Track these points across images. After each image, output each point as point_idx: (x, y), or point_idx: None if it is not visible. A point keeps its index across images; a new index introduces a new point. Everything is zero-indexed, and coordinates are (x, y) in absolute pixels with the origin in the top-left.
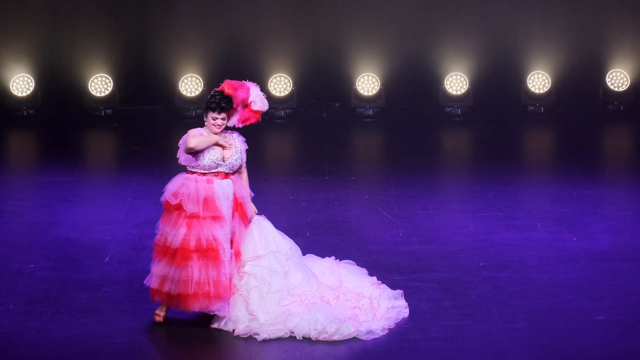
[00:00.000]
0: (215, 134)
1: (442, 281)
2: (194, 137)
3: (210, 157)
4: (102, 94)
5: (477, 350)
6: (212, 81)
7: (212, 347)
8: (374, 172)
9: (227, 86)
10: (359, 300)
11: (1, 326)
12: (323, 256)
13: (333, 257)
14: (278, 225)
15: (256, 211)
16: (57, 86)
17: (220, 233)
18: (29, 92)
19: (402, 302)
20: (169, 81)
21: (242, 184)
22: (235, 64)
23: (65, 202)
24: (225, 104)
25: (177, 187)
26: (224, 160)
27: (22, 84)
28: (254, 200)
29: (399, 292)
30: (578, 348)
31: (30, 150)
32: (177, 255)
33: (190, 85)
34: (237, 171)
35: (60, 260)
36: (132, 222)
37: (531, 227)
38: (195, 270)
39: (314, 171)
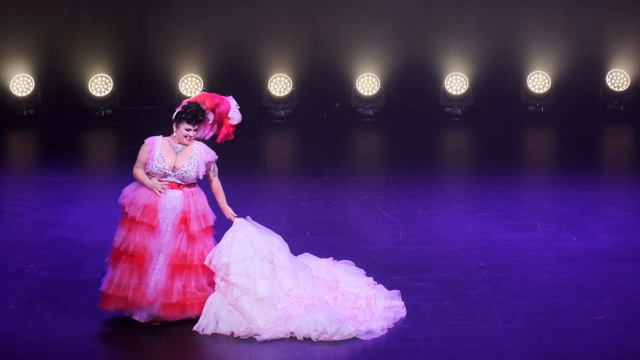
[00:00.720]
0: (185, 145)
1: (442, 281)
2: (138, 169)
3: (157, 165)
4: (102, 94)
5: (477, 350)
6: (212, 81)
7: (212, 347)
8: (374, 172)
9: (207, 100)
10: (356, 300)
11: (1, 326)
12: (323, 256)
13: (331, 258)
14: (278, 225)
15: (234, 215)
16: (57, 86)
17: (153, 243)
18: (29, 92)
19: (399, 302)
20: (169, 81)
21: (199, 199)
22: (235, 64)
23: (65, 202)
24: (201, 117)
25: (128, 190)
26: (173, 170)
27: (22, 84)
28: (251, 201)
29: (396, 292)
30: (578, 348)
31: (30, 150)
32: (113, 254)
33: (190, 85)
34: (208, 182)
35: (60, 260)
36: None
37: (531, 227)
38: (119, 272)
39: (314, 171)
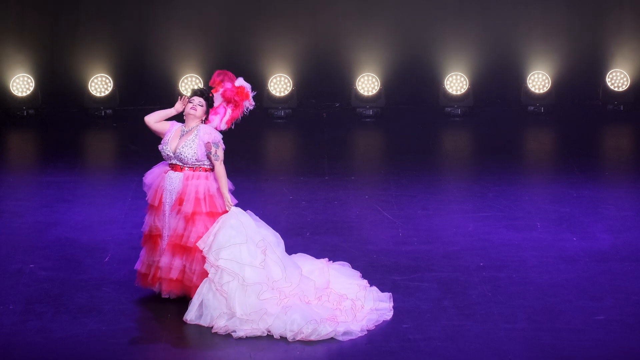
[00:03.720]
0: (190, 119)
1: (442, 281)
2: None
3: (164, 149)
4: (102, 94)
5: (477, 350)
6: None
7: (212, 346)
8: (374, 172)
9: (216, 73)
10: (341, 301)
11: (1, 326)
12: (322, 256)
13: (326, 259)
14: (278, 225)
15: (231, 204)
16: (57, 86)
17: (160, 222)
18: (29, 92)
19: (387, 305)
20: (169, 81)
21: (203, 182)
22: (236, 64)
23: (65, 202)
24: (204, 91)
25: (146, 175)
26: (174, 153)
27: (22, 84)
28: (251, 201)
29: (387, 294)
30: (578, 348)
31: (30, 150)
32: (143, 236)
33: (190, 85)
34: (208, 167)
35: (60, 260)
36: (132, 222)
37: (531, 227)
38: (145, 252)
39: (314, 171)
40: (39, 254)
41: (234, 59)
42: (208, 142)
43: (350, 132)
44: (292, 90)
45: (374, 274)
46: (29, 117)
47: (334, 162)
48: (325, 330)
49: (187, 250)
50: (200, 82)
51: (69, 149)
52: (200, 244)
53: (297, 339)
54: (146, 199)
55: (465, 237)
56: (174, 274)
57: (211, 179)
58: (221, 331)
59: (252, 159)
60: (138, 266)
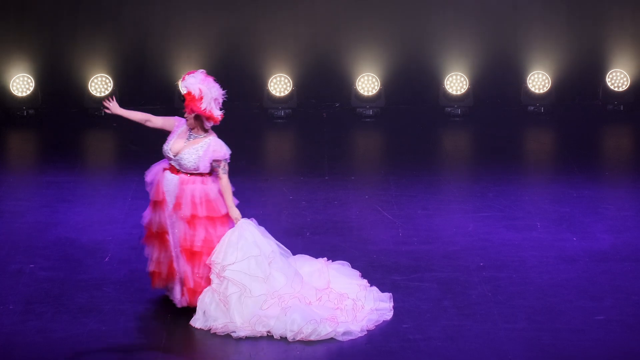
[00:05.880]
0: (193, 130)
1: (442, 281)
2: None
3: (165, 147)
4: (102, 94)
5: (477, 350)
6: None
7: (212, 347)
8: (374, 172)
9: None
10: (342, 301)
11: (1, 326)
12: (322, 256)
13: (325, 259)
14: (278, 225)
15: (238, 218)
16: (57, 86)
17: (164, 217)
18: (29, 92)
19: (387, 305)
20: (169, 81)
21: (199, 187)
22: (236, 64)
23: (65, 202)
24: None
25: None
26: (174, 155)
27: (22, 84)
28: (251, 201)
29: (387, 295)
30: (578, 348)
31: (30, 150)
32: (145, 234)
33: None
34: (210, 175)
35: (60, 260)
36: (132, 222)
37: (531, 227)
38: (153, 249)
39: (314, 171)
40: (39, 254)
41: (234, 59)
42: (218, 160)
43: (350, 132)
44: (292, 90)
45: (374, 274)
46: (29, 117)
47: (334, 162)
48: (325, 330)
49: (194, 254)
50: None
51: (69, 149)
52: (218, 259)
53: (297, 339)
54: (150, 196)
55: (465, 237)
56: (190, 283)
57: (208, 183)
58: (220, 331)
59: (252, 159)
60: (150, 267)
